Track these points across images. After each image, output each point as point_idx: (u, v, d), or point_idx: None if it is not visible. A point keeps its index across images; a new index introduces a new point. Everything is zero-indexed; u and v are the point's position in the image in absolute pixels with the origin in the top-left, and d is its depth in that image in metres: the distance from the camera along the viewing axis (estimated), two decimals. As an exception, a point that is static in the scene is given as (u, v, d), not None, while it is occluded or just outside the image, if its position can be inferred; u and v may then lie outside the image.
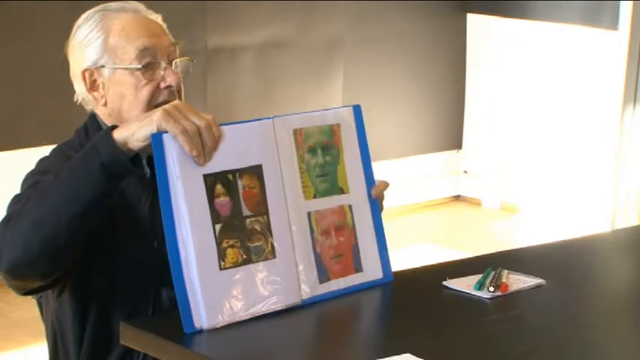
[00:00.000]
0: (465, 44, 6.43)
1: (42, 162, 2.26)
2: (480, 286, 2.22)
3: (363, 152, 2.23)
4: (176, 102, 2.05)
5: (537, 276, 2.30)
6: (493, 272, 2.28)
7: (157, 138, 1.94)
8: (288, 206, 2.08)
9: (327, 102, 5.76)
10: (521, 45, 6.20)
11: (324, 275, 2.13)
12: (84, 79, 2.26)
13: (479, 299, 2.19)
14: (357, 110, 2.23)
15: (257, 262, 2.02)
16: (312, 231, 2.12)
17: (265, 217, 2.04)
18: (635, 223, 5.48)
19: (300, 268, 2.08)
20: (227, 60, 5.43)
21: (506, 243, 5.30)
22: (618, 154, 5.72)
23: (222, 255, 1.98)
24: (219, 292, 1.97)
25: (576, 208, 5.92)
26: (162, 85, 2.23)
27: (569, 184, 6.00)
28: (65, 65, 2.32)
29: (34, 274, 2.06)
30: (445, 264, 2.47)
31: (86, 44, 2.25)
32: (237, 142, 2.02)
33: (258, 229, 2.03)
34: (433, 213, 6.33)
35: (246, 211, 2.02)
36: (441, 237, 5.90)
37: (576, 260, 2.57)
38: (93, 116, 2.30)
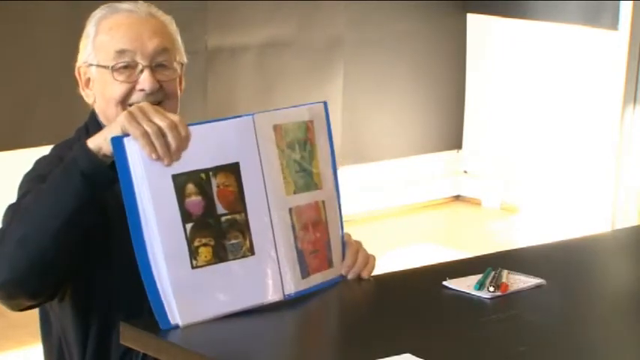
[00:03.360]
0: (465, 44, 6.43)
1: (40, 162, 2.25)
2: (480, 286, 2.22)
3: (331, 148, 2.25)
4: (142, 103, 2.04)
5: (537, 276, 2.29)
6: (493, 272, 2.28)
7: (116, 141, 1.95)
8: (270, 203, 2.08)
9: (327, 102, 5.75)
10: (521, 45, 6.19)
11: (304, 270, 2.14)
12: (79, 75, 2.27)
13: (479, 299, 2.19)
14: (326, 107, 2.25)
15: (234, 259, 2.03)
16: (293, 227, 2.12)
17: (243, 214, 2.05)
18: (635, 223, 5.47)
19: (284, 263, 2.09)
20: (227, 60, 5.43)
21: (506, 243, 5.29)
22: (618, 154, 5.71)
23: (194, 254, 1.99)
24: (192, 291, 1.98)
25: (576, 208, 5.92)
26: (138, 87, 2.23)
27: (569, 184, 6.00)
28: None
29: (23, 294, 2.05)
30: (445, 264, 2.47)
31: (83, 41, 2.27)
32: (212, 140, 2.03)
33: (236, 226, 2.04)
34: (433, 213, 6.32)
35: (221, 210, 2.02)
36: (441, 237, 5.90)
37: (576, 260, 2.57)
38: (93, 114, 2.30)
